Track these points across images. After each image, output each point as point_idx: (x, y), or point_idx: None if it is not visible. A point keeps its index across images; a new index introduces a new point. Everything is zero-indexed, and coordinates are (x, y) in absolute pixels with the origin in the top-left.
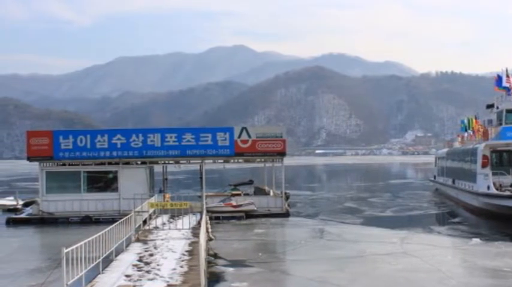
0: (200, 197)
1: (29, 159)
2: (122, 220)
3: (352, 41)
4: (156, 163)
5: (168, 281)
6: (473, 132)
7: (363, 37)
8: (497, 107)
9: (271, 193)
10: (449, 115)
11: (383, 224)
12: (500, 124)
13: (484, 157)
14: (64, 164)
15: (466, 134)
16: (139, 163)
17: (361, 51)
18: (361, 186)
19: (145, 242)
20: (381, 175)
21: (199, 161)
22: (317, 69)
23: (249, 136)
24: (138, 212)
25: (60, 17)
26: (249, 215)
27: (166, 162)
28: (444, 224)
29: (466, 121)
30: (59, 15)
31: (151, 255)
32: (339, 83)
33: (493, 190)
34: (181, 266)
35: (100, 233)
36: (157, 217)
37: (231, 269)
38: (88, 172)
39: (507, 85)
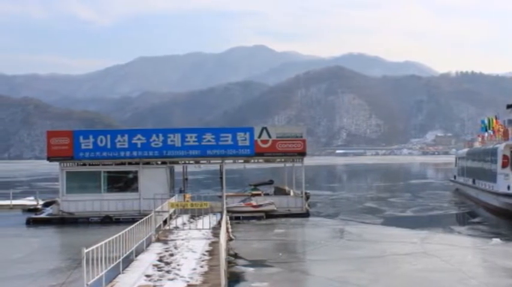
0: (220, 197)
1: (49, 159)
2: (142, 220)
3: (372, 41)
4: (177, 163)
5: (188, 281)
6: (494, 132)
7: (382, 37)
8: None
9: (291, 193)
10: (469, 115)
11: (403, 224)
12: None
13: (504, 157)
14: (84, 164)
15: (486, 134)
16: (159, 163)
17: (380, 51)
18: (381, 186)
19: (165, 242)
20: (401, 175)
21: (220, 161)
22: (337, 69)
23: (269, 136)
24: (159, 212)
25: (80, 17)
26: (269, 215)
27: (187, 162)
28: (464, 224)
29: (486, 121)
30: (80, 15)
31: (171, 255)
32: (359, 83)
33: None
34: (202, 266)
35: (120, 233)
36: (177, 217)
37: (251, 269)
38: (108, 172)
39: None
